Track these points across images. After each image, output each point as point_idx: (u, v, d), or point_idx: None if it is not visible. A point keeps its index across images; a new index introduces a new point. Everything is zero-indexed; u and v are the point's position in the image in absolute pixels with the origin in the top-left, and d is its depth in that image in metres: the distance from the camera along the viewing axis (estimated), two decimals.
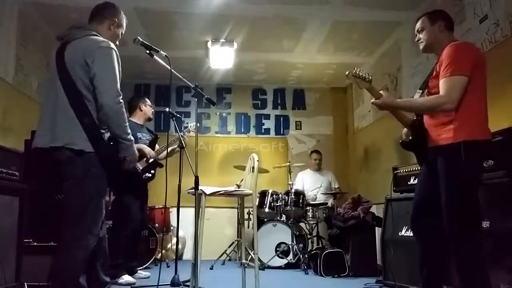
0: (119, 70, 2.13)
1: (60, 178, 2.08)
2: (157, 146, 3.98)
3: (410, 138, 2.32)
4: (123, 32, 2.39)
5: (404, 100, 2.40)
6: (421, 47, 2.34)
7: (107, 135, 2.12)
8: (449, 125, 2.10)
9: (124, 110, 2.12)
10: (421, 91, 2.30)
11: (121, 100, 2.10)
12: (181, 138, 3.54)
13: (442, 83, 2.08)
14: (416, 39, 2.36)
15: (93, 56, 2.05)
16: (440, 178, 2.11)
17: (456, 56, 2.08)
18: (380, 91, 2.24)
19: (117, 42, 2.35)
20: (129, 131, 2.15)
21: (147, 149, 3.78)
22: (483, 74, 2.14)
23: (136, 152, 2.24)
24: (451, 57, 2.08)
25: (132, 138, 2.18)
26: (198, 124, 4.08)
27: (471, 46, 2.20)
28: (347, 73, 2.19)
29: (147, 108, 4.03)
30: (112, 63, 2.09)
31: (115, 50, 2.14)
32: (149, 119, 4.11)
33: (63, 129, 2.04)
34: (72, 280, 2.00)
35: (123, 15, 2.37)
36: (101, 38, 2.15)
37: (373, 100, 2.24)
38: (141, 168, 3.74)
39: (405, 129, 2.42)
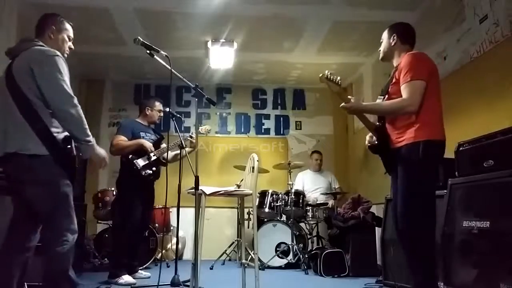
0: (68, 76, 2.15)
1: (19, 184, 2.11)
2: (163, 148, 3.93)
3: (376, 142, 2.46)
4: (70, 35, 2.41)
5: (371, 104, 2.56)
6: (379, 56, 2.55)
7: (60, 136, 2.13)
8: (410, 127, 2.24)
9: (81, 112, 2.13)
10: (382, 97, 2.45)
11: (76, 103, 2.12)
12: (181, 139, 3.54)
13: (403, 88, 2.24)
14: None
15: (40, 65, 2.10)
16: (398, 176, 2.24)
17: (413, 64, 2.25)
18: (348, 96, 2.40)
19: (71, 45, 2.39)
20: (88, 132, 2.16)
21: (147, 144, 3.74)
22: (437, 80, 2.32)
23: (101, 152, 2.25)
24: (409, 64, 2.25)
25: (93, 139, 2.19)
26: (210, 128, 4.14)
27: (425, 55, 2.39)
28: (320, 75, 2.34)
29: (153, 113, 4.02)
30: (59, 69, 2.11)
31: (60, 57, 2.17)
32: (153, 123, 4.10)
33: (15, 135, 2.08)
34: (61, 278, 2.07)
35: (62, 20, 2.39)
36: (46, 48, 2.20)
37: (342, 104, 2.40)
38: (141, 165, 3.68)
39: (369, 134, 2.55)
